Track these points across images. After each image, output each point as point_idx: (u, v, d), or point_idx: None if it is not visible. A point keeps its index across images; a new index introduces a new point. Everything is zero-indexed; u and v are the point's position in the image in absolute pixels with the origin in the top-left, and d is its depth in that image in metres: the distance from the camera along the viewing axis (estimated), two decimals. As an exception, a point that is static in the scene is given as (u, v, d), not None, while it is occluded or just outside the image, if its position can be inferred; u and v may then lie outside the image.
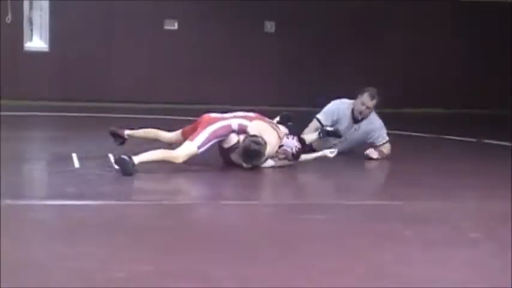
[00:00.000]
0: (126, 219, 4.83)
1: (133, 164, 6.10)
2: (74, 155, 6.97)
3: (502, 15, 13.42)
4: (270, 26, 13.26)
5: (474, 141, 9.28)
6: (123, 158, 6.14)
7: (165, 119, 10.82)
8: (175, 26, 12.99)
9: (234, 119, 6.66)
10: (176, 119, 10.75)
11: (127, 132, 7.09)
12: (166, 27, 12.96)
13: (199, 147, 6.39)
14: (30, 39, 12.63)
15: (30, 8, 12.59)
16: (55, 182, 6.02)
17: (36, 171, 6.61)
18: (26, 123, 10.15)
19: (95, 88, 12.67)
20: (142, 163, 6.16)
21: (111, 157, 6.74)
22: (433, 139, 9.56)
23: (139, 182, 6.03)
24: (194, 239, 4.39)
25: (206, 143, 6.42)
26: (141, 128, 7.08)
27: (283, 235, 4.60)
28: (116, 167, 6.18)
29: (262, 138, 6.47)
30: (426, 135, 9.79)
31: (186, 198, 5.75)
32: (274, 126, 6.79)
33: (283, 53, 13.16)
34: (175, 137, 6.91)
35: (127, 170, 6.08)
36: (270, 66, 13.13)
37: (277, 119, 7.12)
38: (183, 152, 6.36)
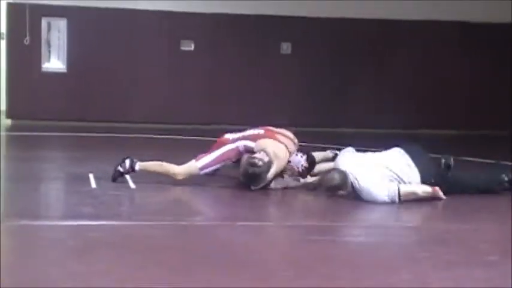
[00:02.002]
0: (141, 239, 4.83)
1: (123, 172, 6.62)
2: (91, 175, 7.00)
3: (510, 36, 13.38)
4: (286, 47, 13.29)
5: (493, 162, 9.21)
6: (125, 162, 6.66)
7: (181, 139, 10.86)
8: (192, 47, 13.04)
9: (241, 141, 6.69)
10: (194, 139, 10.78)
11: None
12: (183, 48, 13.02)
13: (201, 169, 6.57)
14: (48, 60, 12.73)
15: (48, 29, 12.70)
16: (71, 202, 6.04)
17: (53, 191, 6.64)
18: (43, 143, 10.21)
19: (112, 108, 12.74)
20: (143, 171, 6.41)
21: (128, 177, 6.76)
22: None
23: (154, 202, 6.03)
24: (208, 259, 4.38)
25: (209, 166, 6.58)
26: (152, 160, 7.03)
27: (297, 257, 4.58)
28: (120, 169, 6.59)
29: (262, 160, 6.36)
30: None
31: (201, 219, 5.74)
32: (283, 139, 6.74)
33: (300, 74, 13.18)
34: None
35: (113, 175, 6.62)
36: (287, 87, 13.15)
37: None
38: (184, 170, 6.56)
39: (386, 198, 6.03)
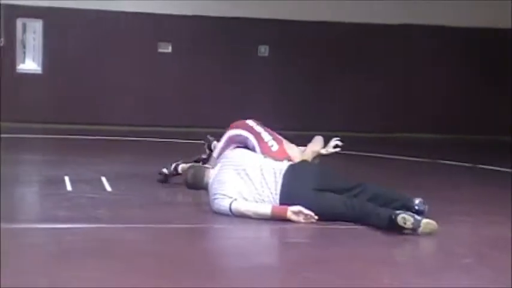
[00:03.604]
0: (118, 242, 4.80)
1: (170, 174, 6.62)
2: (67, 178, 6.94)
3: (503, 41, 13.49)
4: (263, 50, 13.31)
5: (470, 166, 9.28)
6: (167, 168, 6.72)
7: (158, 141, 10.82)
8: (170, 49, 13.01)
9: (259, 136, 6.53)
10: (171, 142, 10.75)
11: None
12: (161, 50, 12.98)
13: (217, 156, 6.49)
14: (23, 62, 12.63)
15: (24, 30, 12.60)
16: (47, 205, 5.98)
17: (28, 194, 6.57)
18: (18, 145, 10.12)
19: (88, 110, 12.66)
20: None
21: (104, 180, 6.72)
22: (429, 164, 9.56)
23: (131, 206, 6.00)
24: (187, 264, 4.36)
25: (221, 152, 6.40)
26: None
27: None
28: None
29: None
30: (422, 159, 9.80)
31: (179, 222, 5.71)
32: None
33: (277, 77, 13.19)
34: None
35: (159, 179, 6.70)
36: (264, 89, 13.16)
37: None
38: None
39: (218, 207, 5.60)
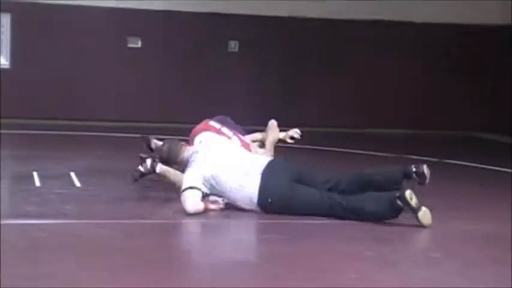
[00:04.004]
0: (86, 238, 4.78)
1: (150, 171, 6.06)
2: (35, 174, 6.90)
3: (476, 37, 13.61)
4: (233, 45, 13.30)
5: (436, 161, 9.38)
6: (146, 160, 6.08)
7: (128, 137, 10.77)
8: (139, 44, 12.95)
9: (220, 132, 6.51)
10: (139, 137, 10.69)
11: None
12: (130, 45, 12.92)
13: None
14: (-9, 56, 12.50)
15: (-8, 24, 12.46)
16: (15, 201, 5.94)
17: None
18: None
19: (57, 106, 12.55)
20: (162, 175, 6.08)
21: (73, 175, 6.69)
22: (395, 158, 9.63)
23: (100, 201, 5.97)
24: (156, 260, 4.36)
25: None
26: None
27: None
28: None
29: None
30: (388, 154, 9.87)
31: (149, 218, 5.70)
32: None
33: (247, 72, 13.19)
34: None
35: (134, 176, 6.10)
36: (235, 85, 13.15)
37: None
38: None
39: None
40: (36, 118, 12.09)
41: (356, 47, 13.41)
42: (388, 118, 13.59)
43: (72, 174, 6.96)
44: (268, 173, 5.63)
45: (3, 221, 5.13)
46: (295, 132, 6.94)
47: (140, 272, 4.06)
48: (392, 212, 5.33)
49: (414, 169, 5.53)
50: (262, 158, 5.92)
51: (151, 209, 5.87)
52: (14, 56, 12.50)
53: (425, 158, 9.45)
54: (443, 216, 5.52)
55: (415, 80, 13.64)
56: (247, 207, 5.64)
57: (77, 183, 6.64)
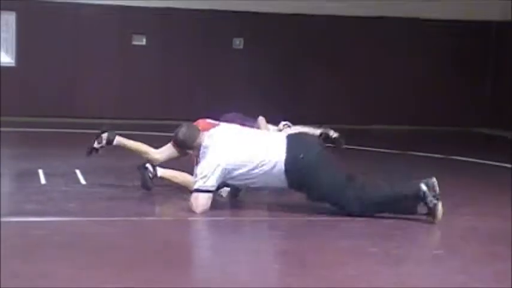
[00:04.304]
0: (89, 236, 4.80)
1: (154, 175, 6.07)
2: (40, 171, 6.92)
3: (478, 33, 13.59)
4: (238, 43, 13.31)
5: (441, 157, 9.37)
6: (145, 167, 6.10)
7: (133, 134, 10.77)
8: (144, 42, 12.97)
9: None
10: (145, 135, 10.72)
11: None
12: (135, 42, 12.94)
13: None
14: (-3, 55, 12.53)
15: (-3, 22, 12.49)
16: (19, 199, 5.96)
17: (1, 187, 6.52)
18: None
19: (63, 103, 12.59)
20: (164, 178, 6.11)
21: (78, 173, 6.71)
22: (400, 155, 9.63)
23: (104, 199, 5.99)
24: (157, 257, 4.37)
25: None
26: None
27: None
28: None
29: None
30: (393, 151, 9.87)
31: (151, 216, 5.72)
32: None
33: (252, 69, 13.20)
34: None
35: (145, 182, 6.08)
36: (239, 82, 13.16)
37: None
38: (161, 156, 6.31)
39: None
40: (41, 116, 12.12)
41: (360, 43, 13.41)
42: (391, 115, 13.57)
43: (78, 171, 6.98)
44: (294, 136, 5.70)
45: (5, 219, 5.16)
46: (284, 126, 6.94)
47: (143, 270, 4.07)
48: (413, 199, 5.36)
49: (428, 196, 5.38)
50: (280, 133, 5.92)
51: (155, 207, 5.89)
52: (19, 54, 12.53)
53: (429, 155, 9.47)
54: (447, 213, 5.52)
55: (418, 76, 13.64)
56: (274, 180, 5.49)
57: (82, 181, 6.66)
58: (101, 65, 12.79)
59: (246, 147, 5.54)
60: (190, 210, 5.43)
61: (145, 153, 6.36)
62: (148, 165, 6.19)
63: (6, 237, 4.67)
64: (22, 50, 12.53)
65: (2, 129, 10.51)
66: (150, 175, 6.14)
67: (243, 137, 5.68)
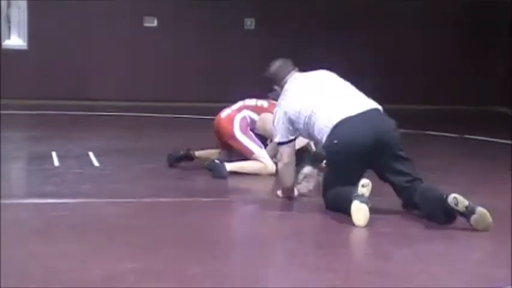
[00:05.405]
0: (104, 217, 4.81)
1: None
2: (54, 154, 6.93)
3: (493, 13, 13.47)
4: (250, 23, 13.25)
5: (456, 136, 9.31)
6: (216, 163, 6.11)
7: (145, 116, 10.80)
8: (155, 23, 12.94)
9: (244, 111, 6.65)
10: (157, 117, 10.73)
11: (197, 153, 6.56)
12: (146, 24, 12.91)
13: (260, 147, 6.41)
14: (9, 37, 12.53)
15: (8, 6, 12.49)
16: (34, 181, 5.98)
17: (15, 170, 6.54)
18: (4, 122, 10.06)
19: (75, 86, 12.59)
20: (232, 172, 6.12)
21: (91, 155, 6.71)
22: (416, 135, 9.57)
23: (118, 180, 6.00)
24: (173, 237, 4.38)
25: (256, 140, 6.44)
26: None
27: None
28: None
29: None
30: (409, 130, 9.81)
31: (166, 197, 5.72)
32: None
33: (263, 49, 13.12)
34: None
35: (220, 173, 6.06)
36: (250, 62, 13.10)
37: None
38: (265, 159, 6.31)
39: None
40: (54, 98, 12.13)
41: (375, 20, 13.32)
42: (405, 93, 13.49)
43: (91, 154, 6.98)
44: (361, 116, 5.56)
45: (21, 200, 5.18)
46: None
47: (158, 250, 4.08)
48: (444, 216, 4.74)
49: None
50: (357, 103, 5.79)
51: (169, 188, 5.88)
52: (30, 38, 12.53)
53: (445, 134, 9.43)
54: (464, 191, 5.48)
55: (429, 54, 13.55)
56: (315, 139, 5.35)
57: (96, 163, 6.66)
58: (113, 48, 12.76)
59: (311, 101, 5.42)
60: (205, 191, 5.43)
61: (260, 170, 6.28)
62: (216, 160, 6.19)
63: (24, 218, 4.69)
64: (34, 33, 12.52)
65: (15, 112, 10.55)
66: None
67: (320, 89, 5.69)
